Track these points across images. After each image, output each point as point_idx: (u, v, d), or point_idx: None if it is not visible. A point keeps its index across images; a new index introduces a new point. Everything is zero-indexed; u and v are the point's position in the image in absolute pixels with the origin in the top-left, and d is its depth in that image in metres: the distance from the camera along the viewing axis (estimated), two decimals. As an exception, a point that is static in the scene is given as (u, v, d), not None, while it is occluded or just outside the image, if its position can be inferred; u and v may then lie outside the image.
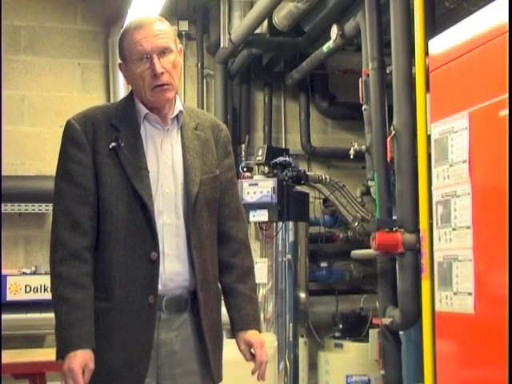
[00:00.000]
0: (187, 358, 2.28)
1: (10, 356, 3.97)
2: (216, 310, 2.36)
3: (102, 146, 2.25)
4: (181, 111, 2.35)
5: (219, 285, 2.41)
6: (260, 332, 2.43)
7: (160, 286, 2.23)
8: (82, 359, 2.13)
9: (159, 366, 2.24)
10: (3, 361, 3.57)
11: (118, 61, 2.35)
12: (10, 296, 5.65)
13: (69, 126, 2.29)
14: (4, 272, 5.65)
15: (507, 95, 2.82)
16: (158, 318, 2.23)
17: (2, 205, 5.76)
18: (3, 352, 3.65)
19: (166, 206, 2.27)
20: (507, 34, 2.85)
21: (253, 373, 2.35)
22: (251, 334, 2.37)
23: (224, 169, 2.41)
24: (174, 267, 2.26)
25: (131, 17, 4.94)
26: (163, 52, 2.25)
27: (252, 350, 2.36)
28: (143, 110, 2.30)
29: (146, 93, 2.26)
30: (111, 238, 2.22)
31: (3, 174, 5.28)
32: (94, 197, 2.23)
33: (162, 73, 2.23)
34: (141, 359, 2.19)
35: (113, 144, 2.24)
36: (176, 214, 2.28)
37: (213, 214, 2.36)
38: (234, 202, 2.45)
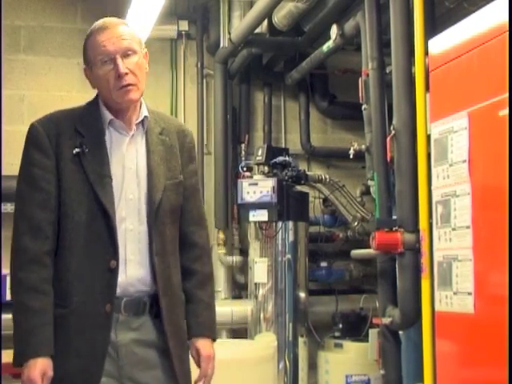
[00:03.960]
0: (148, 358, 2.24)
1: (10, 356, 3.94)
2: (182, 315, 2.34)
3: (66, 151, 2.23)
4: (146, 116, 2.33)
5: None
6: (215, 340, 2.41)
7: (119, 290, 2.20)
8: (41, 367, 2.11)
9: (121, 366, 2.21)
10: (3, 361, 3.56)
11: (83, 65, 2.33)
12: (10, 296, 5.63)
13: (32, 130, 2.27)
14: (4, 272, 5.64)
15: (507, 95, 2.82)
16: (116, 320, 2.21)
17: (2, 204, 5.74)
18: (3, 352, 3.65)
19: (129, 211, 2.25)
20: (507, 33, 2.85)
21: (195, 383, 2.34)
22: (203, 345, 2.36)
23: (188, 174, 2.40)
24: (135, 273, 2.24)
25: (130, 16, 4.93)
26: (127, 53, 2.24)
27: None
28: (108, 116, 2.28)
29: (112, 94, 2.24)
30: (71, 244, 2.20)
31: (3, 173, 5.27)
32: (56, 201, 2.21)
33: (126, 73, 2.22)
34: (95, 366, 2.16)
35: (77, 150, 2.23)
36: (139, 220, 2.26)
37: (176, 219, 2.35)
38: (197, 208, 2.44)
